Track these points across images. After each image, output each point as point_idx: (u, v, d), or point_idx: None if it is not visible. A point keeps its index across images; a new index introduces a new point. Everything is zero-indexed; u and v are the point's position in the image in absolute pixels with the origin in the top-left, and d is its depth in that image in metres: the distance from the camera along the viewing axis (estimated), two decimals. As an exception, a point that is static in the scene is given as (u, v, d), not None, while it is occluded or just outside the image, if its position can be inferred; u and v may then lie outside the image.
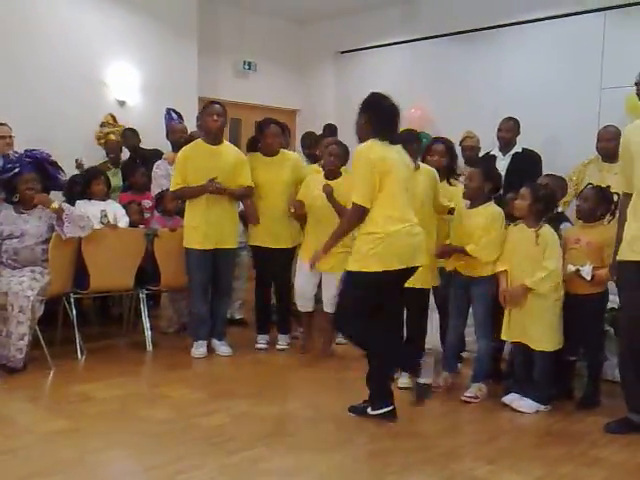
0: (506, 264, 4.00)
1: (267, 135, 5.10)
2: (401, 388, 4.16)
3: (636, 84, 3.46)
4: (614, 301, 4.20)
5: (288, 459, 3.15)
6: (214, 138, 4.85)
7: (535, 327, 3.89)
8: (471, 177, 4.13)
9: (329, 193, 4.65)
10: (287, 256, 5.12)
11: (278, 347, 5.19)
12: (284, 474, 2.99)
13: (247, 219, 5.19)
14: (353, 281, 3.59)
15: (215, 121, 4.79)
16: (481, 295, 4.08)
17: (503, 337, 4.11)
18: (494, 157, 5.84)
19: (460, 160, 6.03)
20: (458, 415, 3.89)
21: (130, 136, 6.63)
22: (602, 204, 4.02)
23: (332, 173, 4.83)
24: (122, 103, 7.30)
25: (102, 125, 6.82)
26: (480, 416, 3.84)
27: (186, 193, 4.88)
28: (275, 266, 5.13)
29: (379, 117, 3.65)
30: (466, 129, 6.41)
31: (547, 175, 4.78)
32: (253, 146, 5.46)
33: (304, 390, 4.25)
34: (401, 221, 3.54)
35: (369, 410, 3.66)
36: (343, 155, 4.86)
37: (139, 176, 5.96)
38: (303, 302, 5.05)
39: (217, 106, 4.85)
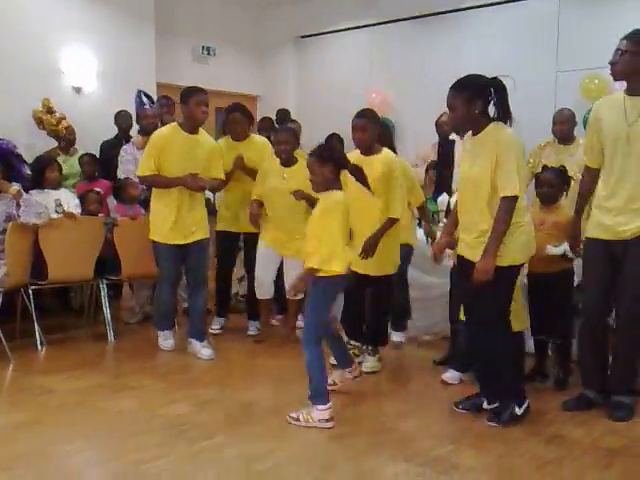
0: None
1: (230, 121, 5.10)
2: (367, 372, 4.21)
3: (610, 64, 3.45)
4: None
5: (251, 446, 3.16)
6: (195, 127, 4.61)
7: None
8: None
9: (303, 197, 4.57)
10: (255, 242, 5.03)
11: (249, 333, 5.20)
12: (247, 460, 2.99)
13: (250, 221, 4.96)
14: (504, 278, 3.32)
15: (204, 112, 4.54)
16: None
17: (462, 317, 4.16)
18: (453, 141, 5.88)
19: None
20: (418, 398, 3.93)
21: (124, 117, 6.50)
22: (562, 186, 4.10)
23: (288, 160, 4.80)
24: (78, 90, 7.17)
25: (47, 111, 6.57)
26: (440, 398, 3.89)
27: (159, 182, 4.61)
28: (234, 250, 5.10)
29: (502, 99, 3.34)
30: (425, 113, 6.48)
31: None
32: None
33: (267, 378, 4.25)
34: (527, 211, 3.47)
35: (485, 405, 3.56)
36: (293, 140, 4.82)
37: (85, 165, 5.88)
38: (261, 290, 5.02)
39: (205, 95, 4.58)
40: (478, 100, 3.30)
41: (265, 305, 5.12)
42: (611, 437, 3.29)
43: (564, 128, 5.30)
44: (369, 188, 3.63)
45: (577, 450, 3.15)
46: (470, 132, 3.44)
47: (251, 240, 5.07)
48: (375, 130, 4.21)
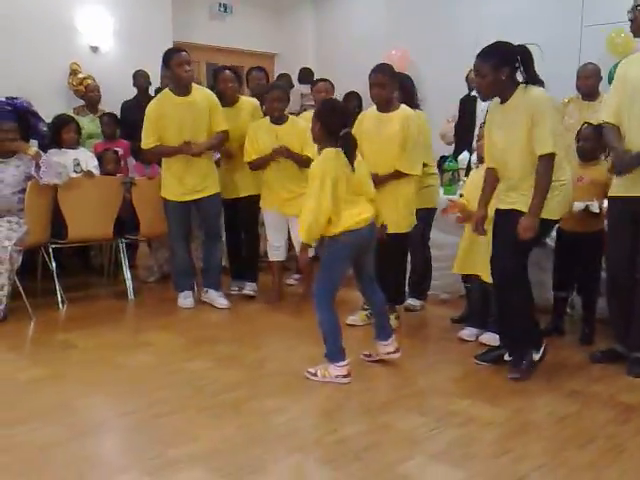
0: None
1: (220, 81, 4.98)
2: (349, 324, 4.26)
3: (630, 20, 3.39)
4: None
5: (269, 400, 3.19)
6: (184, 88, 4.60)
7: (486, 258, 3.87)
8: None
9: (285, 152, 4.56)
10: (252, 204, 5.02)
11: (245, 293, 5.17)
12: (265, 414, 3.03)
13: (225, 156, 5.06)
14: (539, 231, 3.35)
15: (187, 71, 4.52)
16: None
17: (455, 271, 4.20)
18: (475, 98, 5.78)
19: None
20: (436, 355, 3.94)
21: (141, 77, 6.48)
22: (601, 142, 4.01)
23: (279, 119, 4.72)
24: (95, 49, 7.15)
25: (72, 73, 6.65)
26: (458, 355, 3.90)
27: (161, 153, 4.75)
28: (241, 216, 5.09)
29: (529, 66, 3.34)
30: (446, 68, 6.37)
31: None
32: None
33: (285, 336, 4.27)
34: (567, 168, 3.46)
35: (506, 357, 3.60)
36: (286, 98, 4.75)
37: (105, 125, 5.86)
38: (275, 253, 4.99)
39: (184, 54, 4.55)
40: (505, 67, 3.32)
41: (279, 265, 5.09)
42: (629, 393, 3.28)
43: (588, 83, 5.17)
44: (352, 164, 3.43)
45: (595, 405, 3.14)
46: (497, 100, 3.43)
47: (249, 201, 5.03)
48: (393, 86, 4.13)
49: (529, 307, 3.52)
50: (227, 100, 4.95)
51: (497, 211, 3.53)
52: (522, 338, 3.55)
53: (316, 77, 6.88)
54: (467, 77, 6.04)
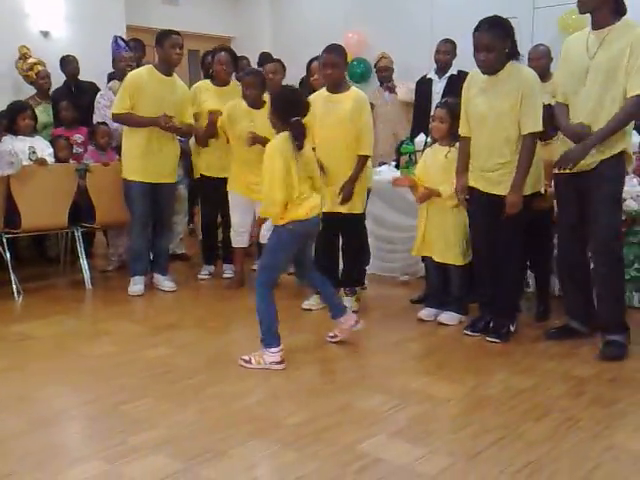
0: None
1: (216, 62, 5.07)
2: (305, 309, 4.31)
3: None
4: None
5: (231, 385, 3.20)
6: (169, 70, 4.72)
7: (442, 241, 4.06)
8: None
9: (255, 140, 4.54)
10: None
11: (224, 276, 5.24)
12: (227, 399, 3.03)
13: (197, 141, 5.08)
14: (525, 206, 3.61)
15: (178, 54, 4.68)
16: None
17: (414, 253, 4.29)
18: (430, 80, 5.82)
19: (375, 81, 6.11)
20: (395, 334, 3.99)
21: (71, 62, 6.31)
22: (552, 122, 4.07)
23: (256, 103, 4.70)
24: (46, 34, 6.98)
25: (21, 58, 6.46)
26: (416, 334, 3.96)
27: (132, 121, 4.68)
28: (220, 196, 5.06)
29: (514, 39, 3.52)
30: (401, 52, 6.41)
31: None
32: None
33: (246, 321, 4.26)
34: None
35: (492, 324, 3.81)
36: (261, 84, 4.72)
37: (63, 111, 5.73)
38: (239, 239, 4.96)
39: (178, 37, 4.70)
40: (508, 39, 3.46)
41: (240, 251, 5.06)
42: (582, 367, 3.37)
43: (539, 64, 5.24)
44: (299, 149, 3.44)
45: (550, 380, 3.23)
46: (477, 71, 3.57)
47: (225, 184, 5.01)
48: (344, 66, 4.16)
49: (523, 279, 3.87)
50: (220, 81, 5.08)
51: (481, 193, 3.65)
52: (511, 307, 3.81)
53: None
54: (375, 64, 6.38)
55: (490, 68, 3.51)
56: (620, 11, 3.37)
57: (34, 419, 2.85)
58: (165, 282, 4.98)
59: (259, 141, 4.53)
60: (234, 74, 5.30)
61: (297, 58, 7.75)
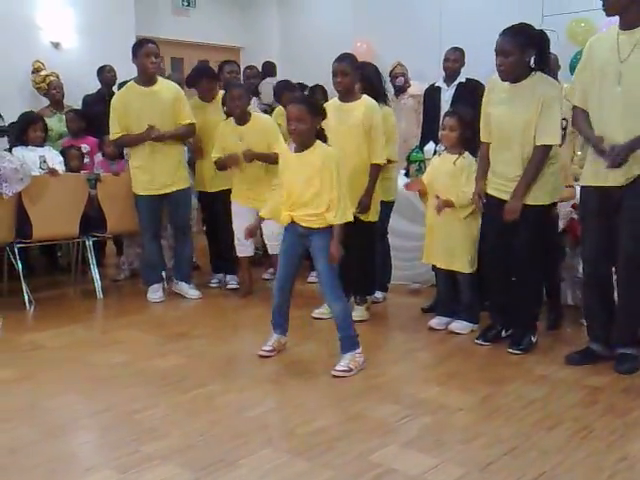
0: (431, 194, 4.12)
1: (203, 82, 5.07)
2: (355, 321, 4.22)
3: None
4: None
5: (242, 394, 3.19)
6: (149, 79, 4.69)
7: (448, 249, 4.05)
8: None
9: (253, 157, 4.58)
10: (228, 197, 4.99)
11: (228, 287, 5.22)
12: (239, 408, 3.03)
13: (194, 154, 5.12)
14: (544, 216, 3.61)
15: (153, 63, 4.63)
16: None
17: (424, 261, 4.28)
18: (439, 88, 5.83)
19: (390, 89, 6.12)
20: (406, 344, 3.98)
21: (108, 72, 6.44)
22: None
23: (242, 118, 4.71)
24: (57, 45, 7.04)
25: (35, 71, 6.56)
26: (428, 343, 3.95)
27: (126, 142, 4.82)
28: (217, 209, 5.09)
29: (546, 52, 3.54)
30: (409, 61, 6.45)
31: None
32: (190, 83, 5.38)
33: (257, 329, 4.27)
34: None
35: (504, 333, 3.83)
36: (246, 95, 4.73)
37: (70, 122, 5.77)
38: (242, 248, 4.94)
39: (153, 45, 4.67)
40: (531, 48, 3.43)
41: (245, 260, 5.04)
42: (595, 376, 3.34)
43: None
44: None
45: (562, 389, 3.21)
46: (497, 78, 3.55)
47: (225, 194, 5.00)
48: (355, 75, 4.14)
49: (542, 289, 3.84)
50: (206, 97, 5.09)
51: (498, 200, 3.61)
52: (532, 317, 3.75)
53: (280, 71, 6.91)
54: (390, 72, 6.35)
55: (506, 74, 3.48)
56: None
57: (46, 429, 2.85)
58: (190, 291, 4.98)
59: (257, 157, 4.56)
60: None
61: (306, 67, 7.81)
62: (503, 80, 3.54)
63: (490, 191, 3.68)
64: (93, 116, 5.88)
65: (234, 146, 4.68)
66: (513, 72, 3.47)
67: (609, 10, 3.28)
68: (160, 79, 4.77)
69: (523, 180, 3.49)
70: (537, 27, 6.52)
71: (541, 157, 3.47)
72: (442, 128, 4.11)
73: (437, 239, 4.11)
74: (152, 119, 4.63)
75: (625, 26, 3.26)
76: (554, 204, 3.72)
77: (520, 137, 3.49)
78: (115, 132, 4.74)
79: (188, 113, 4.80)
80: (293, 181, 3.44)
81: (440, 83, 5.86)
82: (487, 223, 3.80)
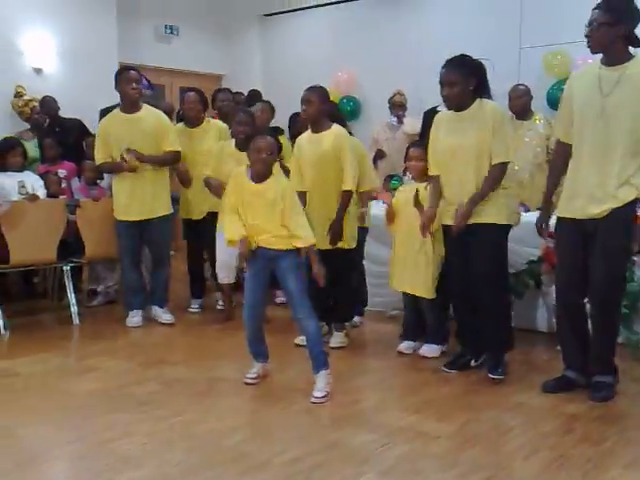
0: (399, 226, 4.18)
1: (184, 102, 5.16)
2: (334, 348, 4.25)
3: (586, 36, 3.34)
4: (532, 253, 4.36)
5: (220, 422, 3.17)
6: (131, 106, 4.73)
7: (410, 274, 4.12)
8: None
9: None
10: (213, 224, 4.99)
11: (218, 307, 5.32)
12: (216, 436, 3.01)
13: (181, 183, 5.14)
14: (502, 236, 3.69)
15: (134, 89, 4.69)
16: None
17: (390, 286, 4.33)
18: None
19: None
20: (382, 371, 3.98)
21: (50, 103, 6.39)
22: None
23: (244, 144, 4.72)
24: (38, 71, 7.04)
25: (17, 96, 6.56)
26: (402, 370, 3.96)
27: (106, 169, 4.94)
28: (202, 233, 5.09)
29: (485, 79, 3.64)
30: (391, 90, 6.56)
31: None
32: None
33: (234, 355, 4.25)
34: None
35: (473, 363, 3.85)
36: (252, 123, 4.76)
37: (47, 148, 5.78)
38: (224, 273, 4.93)
39: (134, 72, 4.73)
40: (473, 77, 3.56)
41: (228, 287, 5.04)
42: (571, 404, 3.36)
43: (520, 102, 5.42)
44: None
45: (538, 416, 3.22)
46: (444, 109, 3.72)
47: (211, 218, 4.98)
48: (321, 104, 4.18)
49: (510, 311, 3.84)
50: (191, 121, 5.11)
51: (471, 225, 3.62)
52: (505, 340, 3.77)
53: (264, 98, 6.94)
54: (390, 100, 6.53)
55: (453, 103, 3.63)
56: (634, 44, 3.27)
57: (19, 458, 2.81)
58: (164, 315, 4.99)
59: None
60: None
61: (287, 95, 7.87)
62: (449, 109, 3.70)
63: (447, 221, 3.72)
64: (72, 142, 5.91)
65: (229, 171, 4.64)
66: (460, 101, 3.60)
67: (594, 47, 3.31)
68: (145, 106, 4.79)
69: (478, 192, 3.58)
70: (516, 58, 6.77)
71: (497, 174, 3.57)
72: (408, 159, 4.16)
73: (400, 265, 4.17)
74: (133, 145, 4.65)
75: (609, 62, 3.29)
76: (509, 227, 3.71)
77: (475, 162, 3.58)
78: (98, 158, 4.82)
79: (172, 141, 4.82)
80: (253, 210, 3.48)
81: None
82: (449, 252, 3.87)
